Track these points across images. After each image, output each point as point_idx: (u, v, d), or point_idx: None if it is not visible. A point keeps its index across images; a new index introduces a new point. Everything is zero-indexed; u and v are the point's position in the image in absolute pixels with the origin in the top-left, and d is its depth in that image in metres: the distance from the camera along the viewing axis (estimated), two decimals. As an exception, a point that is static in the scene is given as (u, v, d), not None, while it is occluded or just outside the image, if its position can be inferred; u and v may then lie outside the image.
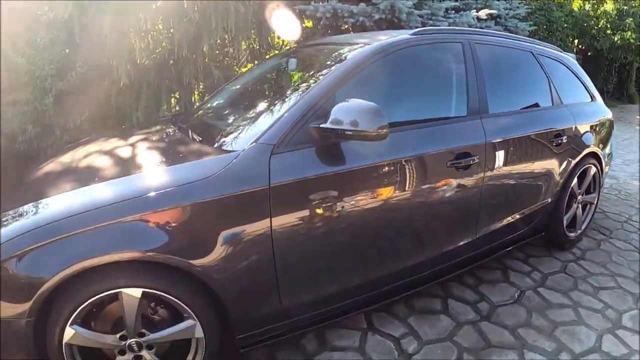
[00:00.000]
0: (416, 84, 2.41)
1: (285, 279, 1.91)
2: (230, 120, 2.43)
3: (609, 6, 13.22)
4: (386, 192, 2.10)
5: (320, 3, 5.01)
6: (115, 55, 4.89)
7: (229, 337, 1.98)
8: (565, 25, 11.57)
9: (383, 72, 2.21)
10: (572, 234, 3.48)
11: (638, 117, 11.70)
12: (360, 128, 1.78)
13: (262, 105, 2.36)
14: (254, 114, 2.25)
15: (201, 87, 5.70)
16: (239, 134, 2.07)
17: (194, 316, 1.78)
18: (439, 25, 4.98)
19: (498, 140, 2.55)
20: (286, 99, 2.12)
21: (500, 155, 2.58)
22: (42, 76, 4.93)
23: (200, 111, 2.88)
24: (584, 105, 3.53)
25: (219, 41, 5.52)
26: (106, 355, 1.82)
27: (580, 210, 3.55)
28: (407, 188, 2.18)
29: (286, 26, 5.08)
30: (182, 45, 4.78)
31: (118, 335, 1.75)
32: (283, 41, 6.15)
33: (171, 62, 5.33)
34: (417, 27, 4.21)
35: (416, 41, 2.37)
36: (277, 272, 1.88)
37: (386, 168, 2.09)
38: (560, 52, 3.57)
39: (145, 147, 2.29)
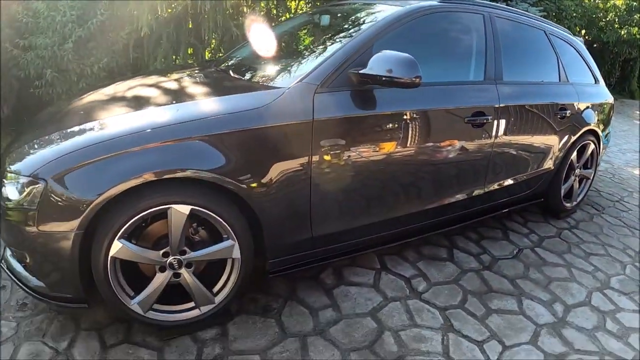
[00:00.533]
0: (440, 47, 2.62)
1: (318, 208, 2.12)
2: (270, 63, 2.63)
3: (619, 1, 13.37)
4: (410, 138, 2.33)
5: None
6: (137, 5, 4.95)
7: (260, 262, 2.18)
8: (575, 14, 11.71)
9: (413, 32, 2.42)
10: (568, 204, 3.74)
11: (637, 112, 11.97)
12: (397, 75, 1.99)
13: (302, 52, 2.58)
14: (295, 58, 2.46)
15: (214, 43, 5.74)
16: (283, 74, 2.29)
17: (234, 236, 1.94)
18: None
19: (510, 105, 2.78)
20: (326, 47, 2.33)
21: (510, 118, 2.82)
22: (62, 22, 4.93)
23: (234, 57, 3.07)
24: (588, 86, 3.77)
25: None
26: (143, 275, 1.97)
27: (577, 183, 3.81)
28: (429, 136, 2.42)
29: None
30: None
31: (161, 252, 1.88)
32: (298, 7, 6.24)
33: (190, 16, 5.32)
34: None
35: (443, 8, 2.59)
36: (312, 201, 2.08)
37: (414, 115, 2.32)
38: (570, 34, 3.80)
39: (190, 82, 2.50)
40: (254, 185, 1.91)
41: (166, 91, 2.38)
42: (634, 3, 12.88)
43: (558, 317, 2.52)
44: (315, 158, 2.02)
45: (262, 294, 2.37)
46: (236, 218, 1.95)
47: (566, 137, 3.38)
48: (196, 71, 2.85)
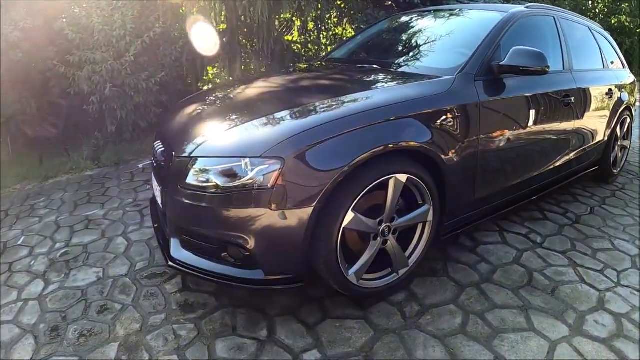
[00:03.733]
0: (535, 44, 3.24)
1: (480, 175, 2.64)
2: (406, 58, 3.12)
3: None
4: (537, 116, 2.96)
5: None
6: (194, 18, 5.08)
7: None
8: (566, 3, 12.46)
9: (516, 32, 3.03)
10: (615, 170, 4.45)
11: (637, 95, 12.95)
12: (531, 65, 2.60)
13: (432, 47, 3.10)
14: (433, 52, 3.02)
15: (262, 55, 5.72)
16: (437, 65, 2.76)
17: (432, 200, 2.27)
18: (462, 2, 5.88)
19: (582, 88, 3.47)
20: (461, 43, 2.93)
21: (583, 99, 3.51)
22: (118, 36, 4.95)
23: (346, 55, 3.63)
24: (620, 70, 4.51)
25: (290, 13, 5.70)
26: (354, 246, 2.15)
27: (619, 152, 4.52)
28: (547, 114, 3.07)
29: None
30: (263, 10, 4.97)
31: (377, 220, 2.11)
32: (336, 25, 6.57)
33: (245, 29, 5.50)
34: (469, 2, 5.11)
35: (530, 13, 3.24)
36: (476, 170, 2.60)
37: (538, 98, 2.97)
38: (601, 28, 4.54)
39: (340, 78, 2.98)
40: (446, 155, 2.27)
41: (345, 81, 2.84)
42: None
43: (643, 252, 3.17)
44: (482, 134, 2.54)
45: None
46: (433, 184, 2.27)
47: (613, 113, 4.09)
48: (333, 70, 3.30)
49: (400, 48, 3.35)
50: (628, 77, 4.58)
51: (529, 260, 2.92)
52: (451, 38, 3.08)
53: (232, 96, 2.84)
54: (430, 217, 2.37)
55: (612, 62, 4.44)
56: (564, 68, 3.39)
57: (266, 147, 1.83)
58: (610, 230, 3.43)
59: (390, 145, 2.04)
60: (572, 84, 3.36)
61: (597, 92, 3.74)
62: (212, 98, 2.84)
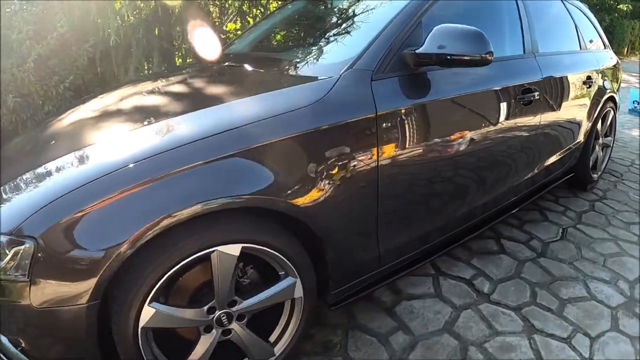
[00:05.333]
0: (479, 22, 2.37)
1: (385, 218, 1.82)
2: (295, 50, 2.28)
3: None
4: (476, 123, 2.10)
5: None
6: (101, 12, 4.56)
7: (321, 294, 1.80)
8: None
9: (448, 6, 2.14)
10: (595, 175, 3.62)
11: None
12: (466, 52, 1.72)
13: (331, 33, 2.22)
14: (332, 41, 2.12)
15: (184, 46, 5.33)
16: (320, 60, 1.96)
17: (295, 272, 1.57)
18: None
19: (551, 77, 2.59)
20: (365, 26, 2.03)
21: (553, 92, 2.63)
22: (18, 40, 4.41)
23: (241, 49, 2.67)
24: (601, 52, 3.63)
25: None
26: (184, 339, 1.54)
27: (600, 152, 3.67)
28: (492, 119, 2.20)
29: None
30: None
31: (205, 308, 1.45)
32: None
33: (159, 19, 4.97)
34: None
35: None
36: (379, 209, 1.78)
37: (477, 97, 2.09)
38: (579, 1, 3.64)
39: (202, 83, 2.09)
40: (314, 202, 1.52)
41: (176, 97, 1.94)
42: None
43: (627, 295, 2.37)
44: (382, 158, 1.71)
45: (317, 326, 2.06)
46: (296, 248, 1.58)
47: (593, 107, 3.23)
48: (199, 70, 2.41)
49: (294, 38, 2.47)
50: (610, 60, 3.71)
51: (466, 325, 2.11)
52: (363, 20, 2.17)
53: (52, 128, 1.94)
54: (298, 293, 1.64)
55: (590, 41, 3.56)
56: (524, 52, 2.51)
57: (17, 220, 1.24)
58: (586, 265, 2.62)
59: (197, 207, 1.30)
60: (536, 74, 2.49)
61: (571, 81, 2.87)
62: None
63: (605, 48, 3.78)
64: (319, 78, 1.70)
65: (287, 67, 2.05)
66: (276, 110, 1.50)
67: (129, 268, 1.29)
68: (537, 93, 2.43)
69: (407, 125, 1.79)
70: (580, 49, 3.23)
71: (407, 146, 1.80)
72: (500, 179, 2.43)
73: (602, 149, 3.76)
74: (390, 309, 2.19)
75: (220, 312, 1.48)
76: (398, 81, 1.78)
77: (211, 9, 5.75)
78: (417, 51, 1.77)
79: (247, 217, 1.47)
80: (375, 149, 1.67)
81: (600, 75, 3.34)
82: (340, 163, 1.58)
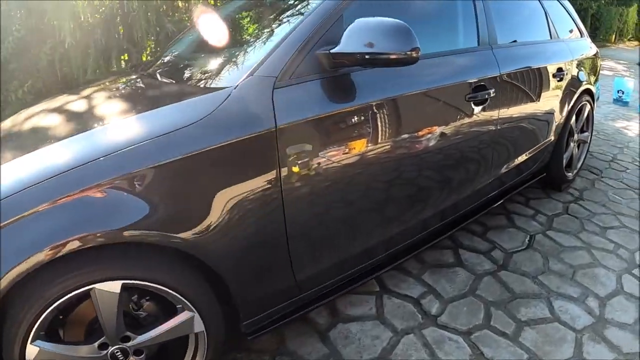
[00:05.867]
0: (423, 13, 2.11)
1: (298, 243, 1.59)
2: (208, 57, 2.02)
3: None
4: (406, 131, 1.82)
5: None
6: (57, 14, 4.38)
7: (235, 324, 1.63)
8: None
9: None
10: (570, 174, 3.36)
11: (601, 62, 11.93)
12: (388, 50, 1.46)
13: (247, 38, 1.99)
14: (240, 47, 1.88)
15: (150, 45, 5.24)
16: (227, 68, 1.71)
17: (191, 306, 1.40)
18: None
19: (511, 72, 2.32)
20: (279, 26, 1.77)
21: (515, 88, 2.36)
22: None
23: (167, 57, 2.40)
24: (576, 40, 3.35)
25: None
26: None
27: (576, 150, 3.41)
28: (426, 126, 1.91)
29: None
30: (132, -2, 4.19)
31: (96, 344, 1.33)
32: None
33: (119, 18, 4.83)
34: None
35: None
36: (289, 235, 1.54)
37: (406, 101, 1.80)
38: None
39: (102, 98, 1.86)
40: (203, 233, 1.33)
41: (69, 117, 1.72)
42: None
43: (595, 315, 2.11)
44: (287, 179, 1.47)
45: (243, 351, 1.84)
46: (189, 282, 1.40)
47: (566, 101, 2.96)
48: (114, 81, 2.17)
49: (217, 42, 2.17)
50: (589, 49, 3.44)
51: (405, 353, 1.88)
52: (281, 19, 1.89)
53: None
54: (199, 327, 1.45)
55: (570, 31, 3.29)
56: (479, 44, 2.23)
57: None
58: (552, 279, 2.38)
59: (63, 244, 1.16)
60: (492, 69, 2.22)
61: (537, 74, 2.60)
62: None
63: (582, 37, 3.49)
64: (219, 89, 1.47)
65: (198, 76, 1.80)
66: (159, 130, 1.30)
67: (10, 305, 1.21)
68: (493, 90, 2.16)
69: (318, 138, 1.53)
70: (551, 38, 2.95)
71: (319, 162, 1.55)
72: (455, 186, 2.17)
73: (578, 146, 3.49)
74: (324, 333, 1.95)
75: (113, 348, 1.35)
76: (310, 87, 1.53)
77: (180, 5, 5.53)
78: (332, 51, 1.51)
79: (127, 251, 1.29)
80: (277, 169, 1.43)
81: (574, 66, 3.06)
82: (234, 187, 1.37)
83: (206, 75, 1.75)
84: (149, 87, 1.88)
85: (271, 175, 1.42)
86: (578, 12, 11.72)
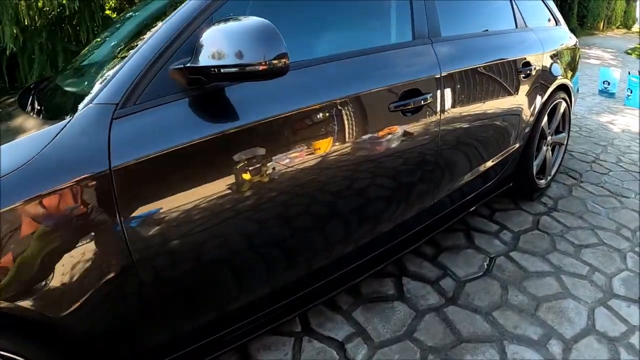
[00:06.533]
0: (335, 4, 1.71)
1: (157, 305, 1.25)
2: (67, 80, 1.64)
3: None
4: (306, 156, 1.43)
5: None
6: None
7: None
8: None
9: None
10: (542, 181, 2.97)
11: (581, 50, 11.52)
12: (244, 61, 1.09)
13: (108, 56, 1.59)
14: (99, 68, 1.48)
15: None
16: (73, 96, 1.35)
17: None
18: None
19: (456, 71, 1.92)
20: (137, 42, 1.37)
21: (463, 89, 1.96)
22: None
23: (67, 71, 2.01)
24: (550, 30, 2.95)
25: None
26: None
27: (550, 153, 3.02)
28: (337, 147, 1.52)
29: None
30: (73, -3, 4.00)
31: None
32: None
33: (66, 18, 4.63)
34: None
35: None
36: (142, 304, 1.21)
37: (303, 118, 1.41)
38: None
39: None
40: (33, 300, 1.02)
41: None
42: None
43: (558, 364, 1.74)
44: (131, 229, 1.12)
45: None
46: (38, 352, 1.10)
47: (534, 101, 2.57)
48: None
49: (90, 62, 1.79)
50: (566, 39, 3.03)
51: None
52: (140, 36, 1.48)
53: None
54: None
55: (548, 20, 2.90)
56: (414, 37, 1.83)
57: None
58: (509, 315, 2.01)
59: None
60: (430, 68, 1.81)
61: (497, 71, 2.20)
62: None
63: (557, 25, 3.08)
64: (54, 122, 1.13)
65: (46, 105, 1.46)
66: None
67: None
68: (430, 95, 1.77)
69: (173, 177, 1.17)
70: (517, 27, 2.54)
71: (173, 210, 1.17)
72: (378, 219, 1.79)
73: (553, 149, 3.10)
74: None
75: None
76: (167, 112, 1.18)
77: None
78: (187, 65, 1.15)
79: None
80: (115, 217, 1.09)
81: (546, 59, 2.66)
82: (63, 243, 1.05)
83: (52, 103, 1.42)
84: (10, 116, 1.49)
85: (110, 225, 1.09)
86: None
